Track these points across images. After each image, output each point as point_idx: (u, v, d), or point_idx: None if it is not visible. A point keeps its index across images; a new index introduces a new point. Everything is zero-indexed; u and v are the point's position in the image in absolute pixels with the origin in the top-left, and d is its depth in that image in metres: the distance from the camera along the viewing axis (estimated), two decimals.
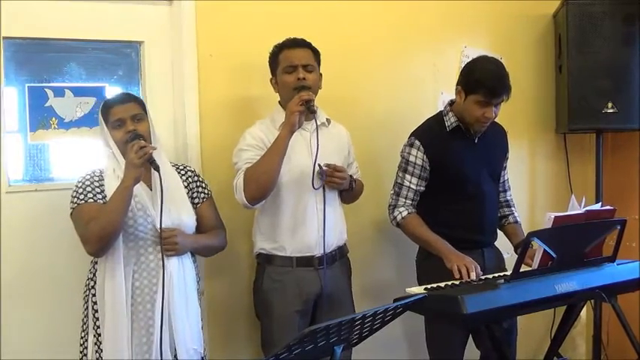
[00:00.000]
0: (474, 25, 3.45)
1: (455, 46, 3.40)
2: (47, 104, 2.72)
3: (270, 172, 2.46)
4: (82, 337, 2.39)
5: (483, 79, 2.54)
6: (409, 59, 3.32)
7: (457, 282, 2.34)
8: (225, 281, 2.97)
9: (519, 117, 3.43)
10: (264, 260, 2.67)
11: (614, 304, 2.34)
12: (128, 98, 2.43)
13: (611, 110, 3.26)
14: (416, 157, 2.69)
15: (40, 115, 2.71)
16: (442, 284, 2.28)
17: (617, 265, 2.40)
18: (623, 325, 2.37)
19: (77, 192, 2.35)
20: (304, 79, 2.55)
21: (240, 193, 2.50)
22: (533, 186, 3.66)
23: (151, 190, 2.36)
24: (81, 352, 2.38)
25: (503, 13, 3.48)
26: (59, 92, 2.74)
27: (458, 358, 2.74)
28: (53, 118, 2.72)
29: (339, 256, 2.72)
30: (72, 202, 2.35)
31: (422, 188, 2.72)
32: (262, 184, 2.47)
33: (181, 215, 2.39)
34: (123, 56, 2.87)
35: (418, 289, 2.22)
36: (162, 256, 2.30)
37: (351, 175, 2.71)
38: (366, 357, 2.81)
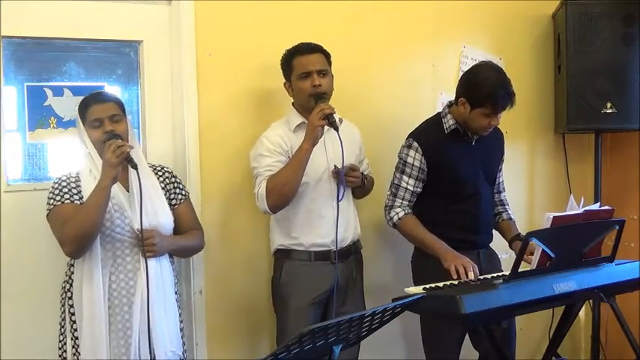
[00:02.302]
0: (473, 26, 3.45)
1: (454, 47, 3.40)
2: (46, 103, 2.72)
3: (292, 182, 2.55)
4: (60, 341, 2.38)
5: (491, 95, 2.53)
6: (408, 60, 3.32)
7: (455, 282, 2.34)
8: (226, 280, 2.97)
9: (518, 117, 3.42)
10: (283, 255, 2.73)
11: (612, 304, 2.34)
12: (107, 98, 2.40)
13: (610, 110, 3.26)
14: (414, 158, 2.70)
15: (39, 115, 2.71)
16: (440, 284, 2.28)
17: (616, 265, 2.40)
18: (622, 325, 2.37)
19: (53, 193, 2.33)
20: (320, 85, 2.62)
21: (262, 201, 2.58)
22: (532, 186, 3.66)
23: (128, 191, 2.34)
24: (60, 356, 2.37)
25: (502, 13, 3.47)
26: (58, 91, 2.74)
27: (453, 357, 2.75)
28: (52, 118, 2.72)
29: (354, 250, 2.80)
30: (48, 203, 2.33)
31: (419, 189, 2.73)
32: (285, 193, 2.56)
33: (159, 216, 2.37)
34: (122, 55, 2.87)
35: (417, 289, 2.22)
36: (145, 258, 2.28)
37: (362, 172, 2.77)
38: (364, 356, 2.81)
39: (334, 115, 2.54)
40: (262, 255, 2.99)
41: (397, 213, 2.71)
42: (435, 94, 3.36)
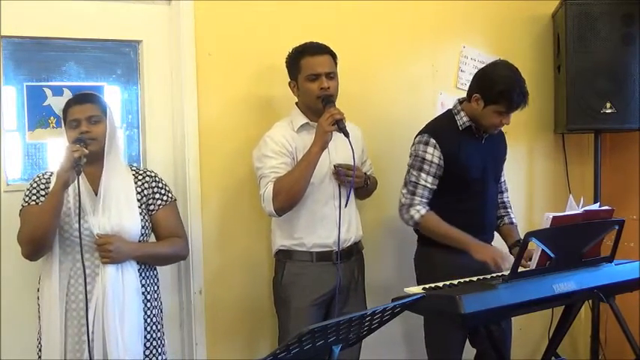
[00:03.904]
0: (473, 25, 3.45)
1: (454, 46, 3.40)
2: (45, 103, 2.72)
3: (300, 185, 2.54)
4: (37, 339, 2.37)
5: (506, 92, 2.53)
6: (408, 59, 3.32)
7: (455, 282, 2.34)
8: (226, 280, 2.98)
9: (518, 117, 3.38)
10: (285, 256, 2.72)
11: (612, 304, 2.34)
12: (86, 99, 2.36)
13: (609, 110, 3.26)
14: (432, 155, 2.66)
15: (39, 114, 2.71)
16: (440, 284, 2.28)
17: (615, 265, 2.40)
18: (621, 325, 2.37)
19: (25, 194, 2.34)
20: (328, 87, 2.59)
21: (268, 203, 2.55)
22: (531, 186, 3.66)
23: (97, 195, 2.31)
24: (37, 355, 2.37)
25: (502, 13, 3.47)
26: (58, 91, 2.74)
27: (456, 357, 2.75)
28: (51, 117, 2.72)
29: (356, 251, 2.79)
30: (21, 204, 2.35)
31: (435, 187, 2.68)
32: (292, 196, 2.55)
33: (123, 221, 2.30)
34: (121, 55, 2.87)
35: (416, 289, 2.23)
36: (84, 265, 2.22)
37: (365, 173, 2.76)
38: (365, 357, 2.81)
39: (344, 120, 2.52)
40: (262, 255, 2.99)
41: (418, 210, 2.66)
42: (435, 94, 3.36)
